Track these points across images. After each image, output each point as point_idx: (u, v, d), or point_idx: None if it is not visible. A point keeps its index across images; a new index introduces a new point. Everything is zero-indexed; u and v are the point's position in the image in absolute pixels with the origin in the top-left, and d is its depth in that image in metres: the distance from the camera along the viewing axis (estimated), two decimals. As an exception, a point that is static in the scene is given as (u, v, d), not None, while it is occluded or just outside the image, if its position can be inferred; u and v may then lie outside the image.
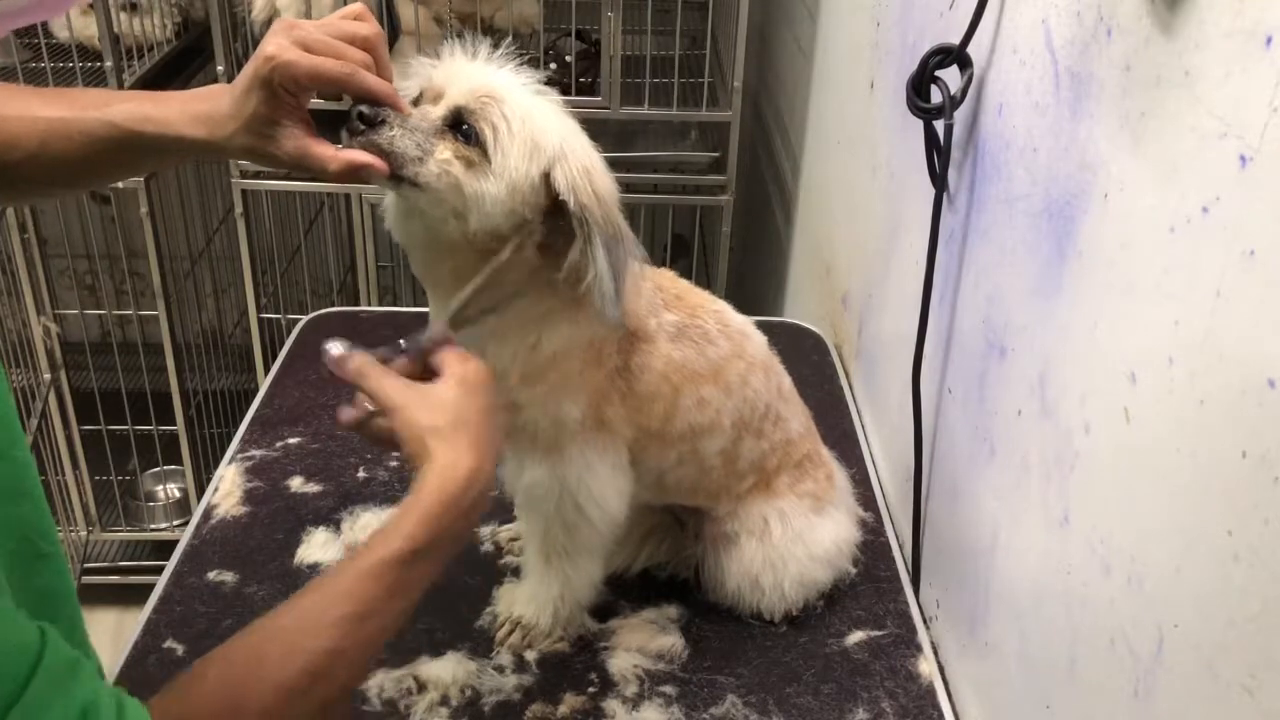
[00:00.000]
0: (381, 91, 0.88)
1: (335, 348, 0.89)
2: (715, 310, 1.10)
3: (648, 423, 1.05)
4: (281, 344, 1.70)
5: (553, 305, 0.96)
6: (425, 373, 0.89)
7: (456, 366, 0.87)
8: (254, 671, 0.72)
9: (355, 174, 0.88)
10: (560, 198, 0.89)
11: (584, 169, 0.90)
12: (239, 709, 0.70)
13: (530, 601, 1.12)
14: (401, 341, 0.91)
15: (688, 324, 1.06)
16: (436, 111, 0.90)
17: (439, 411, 0.83)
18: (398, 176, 0.88)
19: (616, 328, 0.99)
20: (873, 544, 1.29)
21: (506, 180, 0.88)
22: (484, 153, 0.89)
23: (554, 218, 0.91)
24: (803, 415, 1.19)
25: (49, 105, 0.89)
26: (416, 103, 0.93)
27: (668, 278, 1.10)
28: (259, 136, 0.87)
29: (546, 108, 0.92)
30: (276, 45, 0.85)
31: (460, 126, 0.89)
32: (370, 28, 0.89)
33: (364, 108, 0.87)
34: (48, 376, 2.28)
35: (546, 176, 0.89)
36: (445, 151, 0.89)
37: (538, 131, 0.89)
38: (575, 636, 1.14)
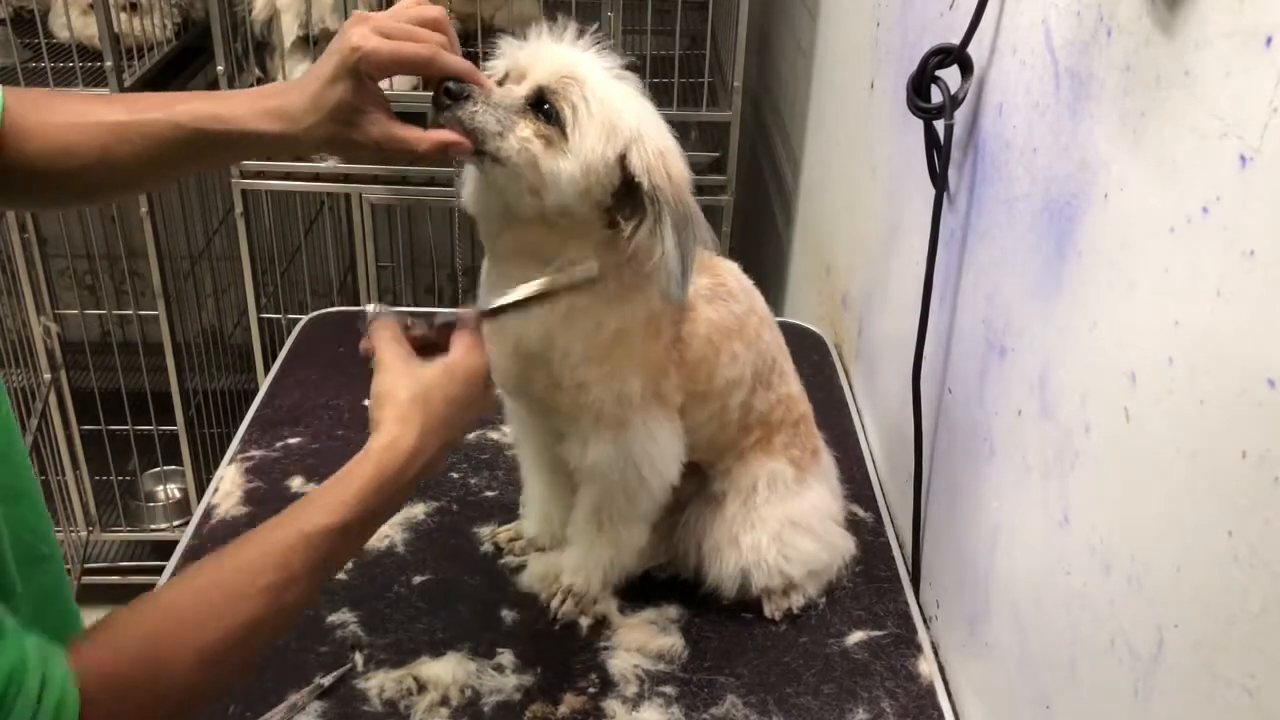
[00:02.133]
0: (464, 69, 0.92)
1: (373, 308, 0.92)
2: (729, 268, 1.16)
3: (695, 385, 1.09)
4: (281, 344, 1.70)
5: (615, 290, 1.00)
6: (442, 349, 0.90)
7: (457, 353, 0.88)
8: (176, 636, 0.71)
9: (443, 153, 0.92)
10: (635, 179, 0.92)
11: (659, 151, 0.93)
12: (158, 674, 0.70)
13: (579, 570, 1.16)
14: (436, 314, 0.93)
15: (717, 285, 1.11)
16: (520, 90, 0.94)
17: (408, 384, 0.85)
18: (480, 151, 0.92)
19: (680, 306, 1.04)
20: (873, 544, 1.29)
21: (583, 159, 0.92)
22: (563, 132, 0.92)
23: (626, 198, 0.94)
24: (797, 377, 1.23)
25: (111, 109, 0.90)
26: (502, 83, 0.96)
27: None
28: (344, 125, 0.90)
29: (626, 91, 0.95)
30: (360, 35, 0.88)
31: (542, 106, 0.93)
32: (438, 10, 0.93)
33: (451, 84, 0.91)
34: (48, 376, 2.28)
35: (622, 158, 0.93)
36: (526, 129, 0.92)
37: (615, 114, 0.92)
38: (601, 617, 1.16)
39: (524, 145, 0.92)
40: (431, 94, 0.92)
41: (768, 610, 1.17)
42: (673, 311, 1.05)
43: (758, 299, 1.17)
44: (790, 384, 1.20)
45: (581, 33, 0.96)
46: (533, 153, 0.92)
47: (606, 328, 1.01)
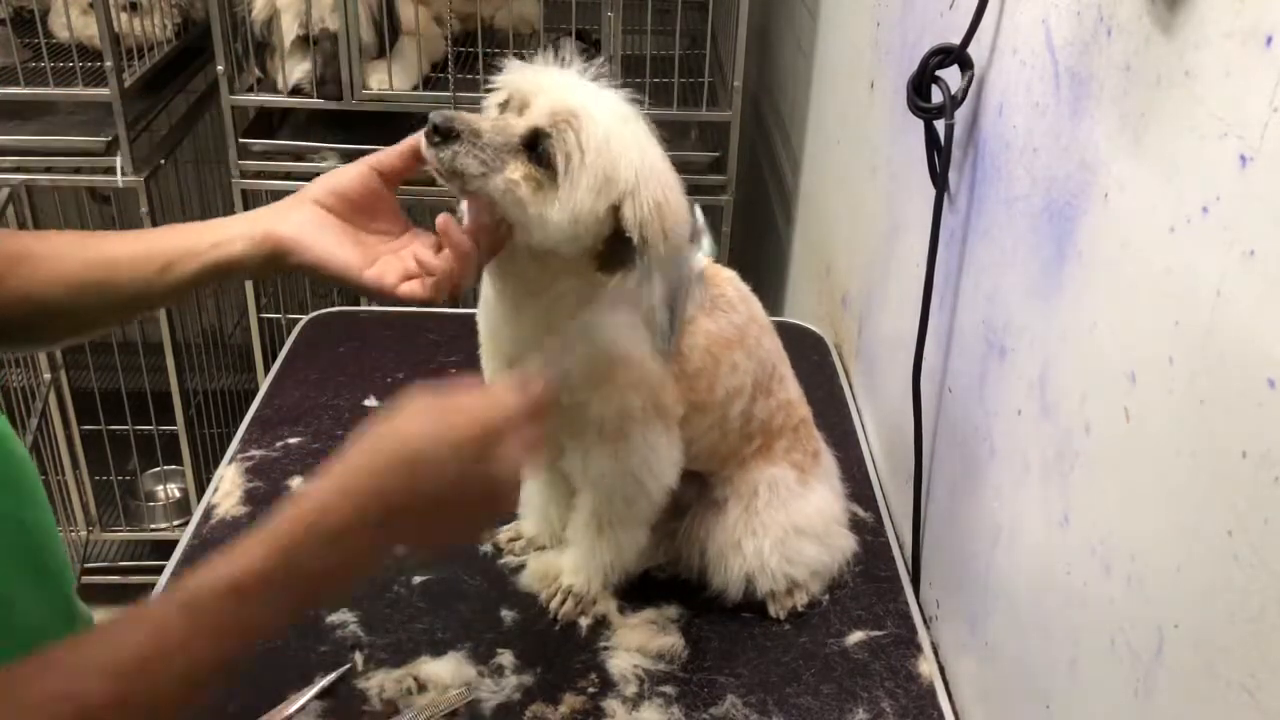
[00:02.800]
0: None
1: None
2: (727, 278, 1.14)
3: (695, 397, 1.09)
4: (281, 344, 1.70)
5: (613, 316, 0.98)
6: None
7: (499, 423, 0.76)
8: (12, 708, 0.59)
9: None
10: (626, 232, 0.89)
11: (655, 204, 0.88)
12: None
13: (580, 571, 1.16)
14: None
15: (716, 296, 1.10)
16: (518, 126, 0.89)
17: (416, 436, 0.72)
18: (466, 190, 0.89)
19: (667, 358, 1.04)
20: (873, 544, 1.29)
21: (571, 209, 0.88)
22: (554, 178, 0.88)
23: (617, 245, 0.90)
24: (796, 381, 1.23)
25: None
26: (505, 106, 0.93)
27: None
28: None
29: (628, 135, 0.90)
30: None
31: (536, 147, 0.88)
32: None
33: (438, 119, 0.87)
34: (48, 376, 2.28)
35: (616, 208, 0.89)
36: (515, 171, 0.88)
37: (612, 164, 0.88)
38: (600, 617, 1.16)
39: (510, 187, 0.88)
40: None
41: (773, 610, 1.17)
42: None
43: (756, 306, 1.16)
44: (790, 389, 1.20)
45: (587, 54, 0.92)
46: (520, 196, 0.88)
47: (605, 354, 1.01)
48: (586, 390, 1.02)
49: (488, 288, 1.04)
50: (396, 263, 0.90)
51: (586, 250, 0.92)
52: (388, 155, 0.92)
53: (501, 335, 1.05)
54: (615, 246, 0.91)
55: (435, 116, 0.87)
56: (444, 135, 0.87)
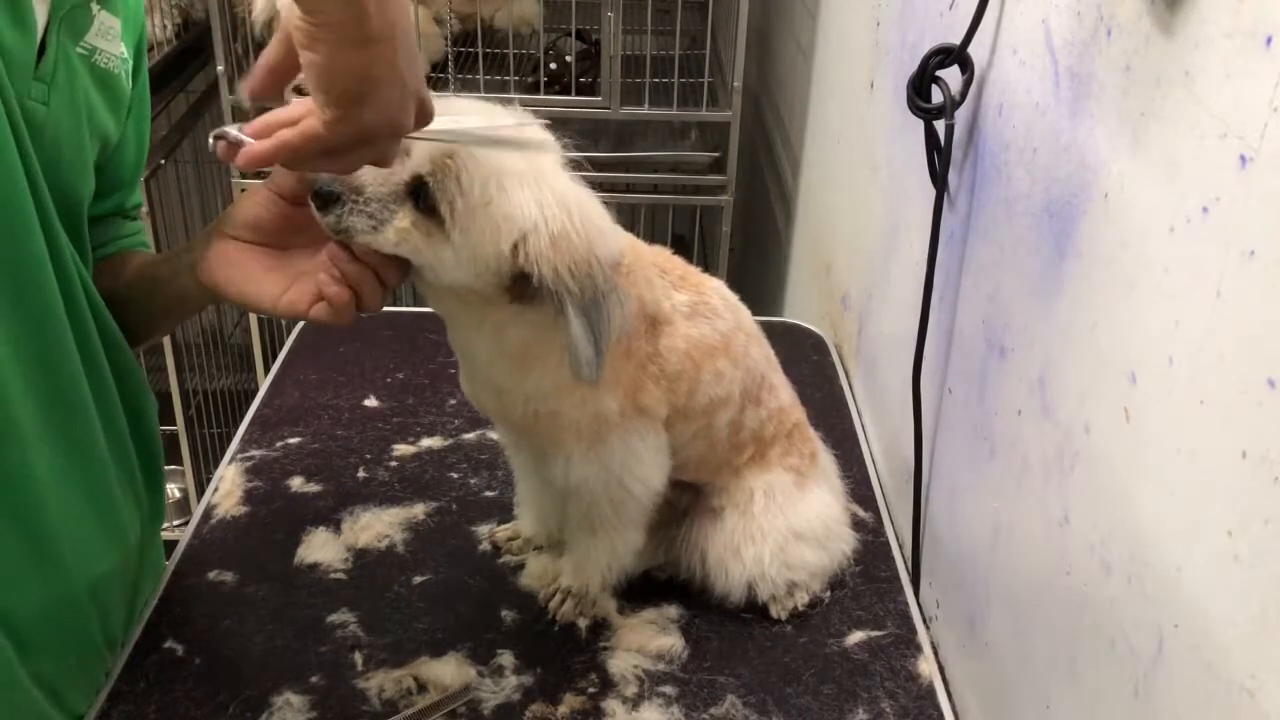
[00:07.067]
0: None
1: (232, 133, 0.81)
2: (714, 286, 1.13)
3: (676, 400, 1.08)
4: (281, 344, 1.70)
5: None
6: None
7: None
8: None
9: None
10: (527, 270, 0.87)
11: (553, 239, 0.85)
12: None
13: (578, 573, 1.15)
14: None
15: (698, 302, 1.09)
16: (400, 174, 0.86)
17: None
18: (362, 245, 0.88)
19: (656, 322, 1.03)
20: (873, 544, 1.29)
21: (467, 253, 0.87)
22: (442, 225, 0.86)
23: (527, 280, 0.88)
24: (788, 386, 1.22)
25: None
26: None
27: (665, 257, 1.11)
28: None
29: (522, 168, 0.86)
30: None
31: (422, 194, 0.86)
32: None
33: (316, 185, 0.86)
34: (48, 376, 2.27)
35: (516, 246, 0.86)
36: (404, 220, 0.86)
37: (503, 204, 0.85)
38: (600, 618, 1.16)
39: (402, 238, 0.86)
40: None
41: (774, 612, 1.17)
42: (645, 328, 1.03)
43: (744, 315, 1.15)
44: (781, 396, 1.19)
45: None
46: (414, 244, 0.86)
47: (566, 365, 0.97)
48: (556, 399, 1.01)
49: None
50: (312, 284, 0.91)
51: (496, 285, 0.90)
52: (282, 177, 0.92)
53: (466, 358, 1.05)
54: (522, 281, 0.89)
55: (316, 183, 0.86)
56: (324, 199, 0.85)
